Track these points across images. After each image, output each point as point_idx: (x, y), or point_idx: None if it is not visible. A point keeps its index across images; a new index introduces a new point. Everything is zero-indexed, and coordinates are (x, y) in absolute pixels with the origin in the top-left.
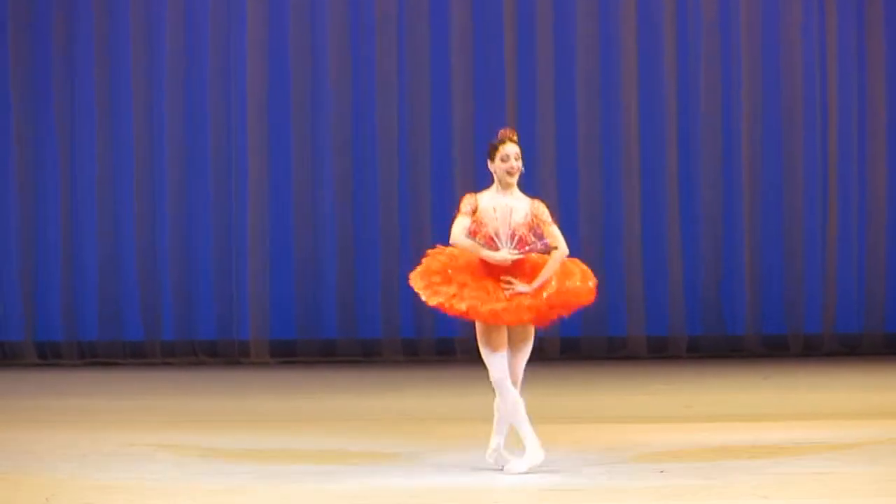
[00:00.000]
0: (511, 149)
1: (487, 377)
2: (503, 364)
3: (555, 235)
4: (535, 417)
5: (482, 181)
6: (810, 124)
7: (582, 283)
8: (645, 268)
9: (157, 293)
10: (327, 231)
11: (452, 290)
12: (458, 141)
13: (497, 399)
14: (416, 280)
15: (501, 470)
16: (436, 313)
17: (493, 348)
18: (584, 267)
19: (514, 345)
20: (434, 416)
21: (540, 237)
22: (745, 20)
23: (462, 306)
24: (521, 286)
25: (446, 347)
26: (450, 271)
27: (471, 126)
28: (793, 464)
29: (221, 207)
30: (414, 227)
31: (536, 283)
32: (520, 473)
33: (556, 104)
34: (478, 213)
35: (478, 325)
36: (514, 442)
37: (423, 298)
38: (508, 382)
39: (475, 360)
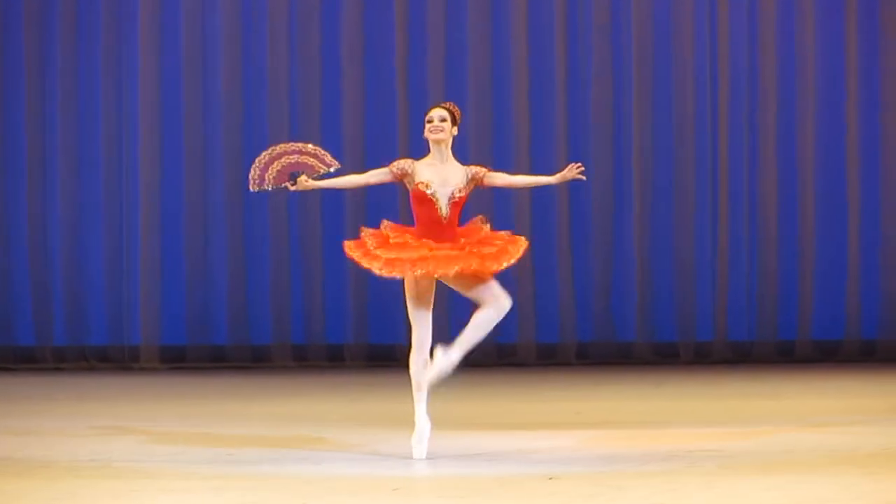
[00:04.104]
0: (435, 112)
1: (377, 383)
2: (422, 327)
3: (501, 175)
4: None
5: (372, 193)
6: (701, 128)
7: (507, 243)
8: (535, 274)
9: (48, 299)
10: (218, 237)
11: (392, 253)
12: (349, 146)
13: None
14: (351, 248)
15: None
16: (326, 319)
17: (413, 305)
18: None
19: (475, 297)
20: (325, 420)
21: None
22: (636, 27)
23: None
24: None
25: (336, 353)
26: (389, 234)
27: (360, 129)
28: (684, 471)
29: (112, 213)
30: (303, 234)
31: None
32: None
33: None
34: (418, 178)
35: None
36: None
37: (362, 264)
38: (424, 347)
39: (365, 367)
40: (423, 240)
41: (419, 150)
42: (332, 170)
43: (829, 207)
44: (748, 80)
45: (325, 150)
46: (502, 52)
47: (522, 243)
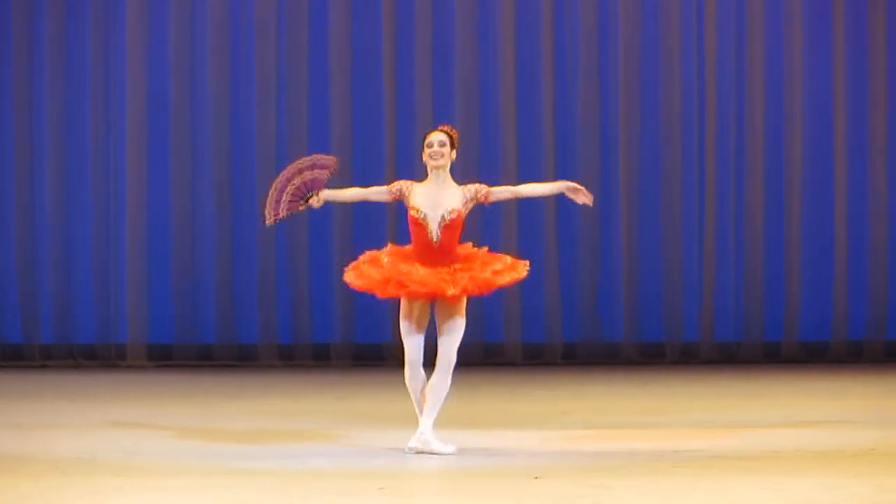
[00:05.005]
0: (435, 136)
1: (363, 382)
2: (411, 348)
3: (505, 188)
4: (403, 423)
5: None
6: (688, 128)
7: (505, 269)
8: None
9: (35, 296)
10: (206, 236)
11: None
12: (337, 149)
13: (431, 381)
14: (348, 273)
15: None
16: (312, 318)
17: (404, 325)
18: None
19: (438, 326)
20: (312, 418)
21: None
22: (623, 26)
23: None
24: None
25: (322, 352)
26: (384, 259)
27: (349, 133)
28: (670, 471)
29: (100, 211)
30: (290, 233)
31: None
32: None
33: (434, 114)
34: (412, 202)
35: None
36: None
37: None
38: (416, 364)
39: (351, 366)
40: (415, 263)
41: (407, 145)
42: (334, 167)
43: (816, 208)
44: (735, 80)
45: (313, 153)
46: (489, 50)
47: (523, 267)
